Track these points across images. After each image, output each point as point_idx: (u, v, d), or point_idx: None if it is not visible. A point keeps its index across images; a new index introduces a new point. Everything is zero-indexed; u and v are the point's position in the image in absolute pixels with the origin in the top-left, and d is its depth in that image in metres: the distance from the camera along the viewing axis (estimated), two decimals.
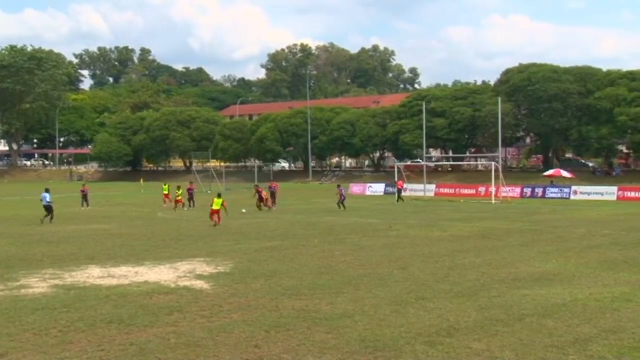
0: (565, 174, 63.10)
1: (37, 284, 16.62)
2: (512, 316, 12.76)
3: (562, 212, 38.18)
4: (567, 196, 53.29)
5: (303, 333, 11.61)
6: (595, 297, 14.48)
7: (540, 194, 54.32)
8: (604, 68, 78.29)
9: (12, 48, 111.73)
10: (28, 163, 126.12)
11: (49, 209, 33.13)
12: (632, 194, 51.69)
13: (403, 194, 49.81)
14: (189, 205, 42.93)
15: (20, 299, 14.84)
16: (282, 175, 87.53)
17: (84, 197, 44.31)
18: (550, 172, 64.75)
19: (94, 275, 17.91)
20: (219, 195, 32.89)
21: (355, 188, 64.12)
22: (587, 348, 10.67)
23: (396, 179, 54.29)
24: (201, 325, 12.33)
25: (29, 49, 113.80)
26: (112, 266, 19.20)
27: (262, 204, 40.66)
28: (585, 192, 53.43)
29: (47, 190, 33.98)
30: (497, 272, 17.64)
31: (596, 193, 52.96)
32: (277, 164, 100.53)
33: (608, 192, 52.50)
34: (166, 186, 47.36)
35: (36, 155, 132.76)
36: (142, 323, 12.50)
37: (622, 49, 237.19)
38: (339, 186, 43.22)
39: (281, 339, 11.32)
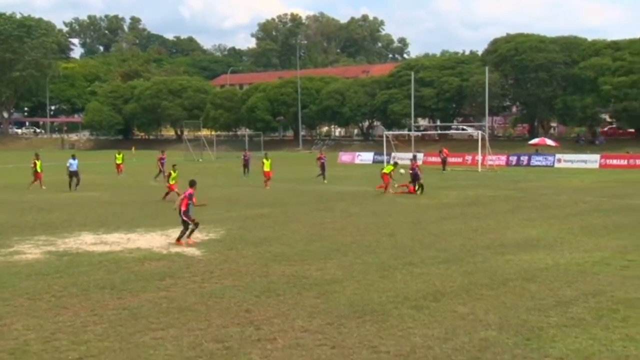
0: (550, 142, 63.36)
1: (31, 251, 16.60)
2: (496, 281, 12.89)
3: (546, 180, 38.36)
4: (552, 164, 53.60)
5: (293, 298, 11.69)
6: (577, 261, 14.64)
7: (525, 162, 54.56)
8: (589, 38, 78.21)
9: (1, 16, 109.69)
10: (19, 131, 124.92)
11: (75, 174, 32.73)
12: (614, 162, 52.09)
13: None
14: (162, 178, 38.36)
15: (14, 265, 14.84)
16: (273, 144, 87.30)
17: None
18: (535, 140, 65.00)
19: (86, 242, 17.90)
20: (266, 156, 35.43)
21: (344, 157, 64.13)
22: (567, 310, 10.82)
23: (385, 148, 54.33)
24: (193, 290, 12.38)
25: (18, 16, 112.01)
26: (105, 233, 19.19)
27: (246, 170, 42.66)
28: (569, 160, 53.81)
29: (73, 157, 33.50)
30: (482, 239, 17.78)
31: (580, 161, 53.36)
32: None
33: (591, 160, 52.89)
34: (120, 156, 44.67)
35: (27, 124, 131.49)
36: (135, 288, 12.53)
37: (607, 19, 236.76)
38: (320, 157, 38.90)
39: (271, 304, 11.39)
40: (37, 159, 34.12)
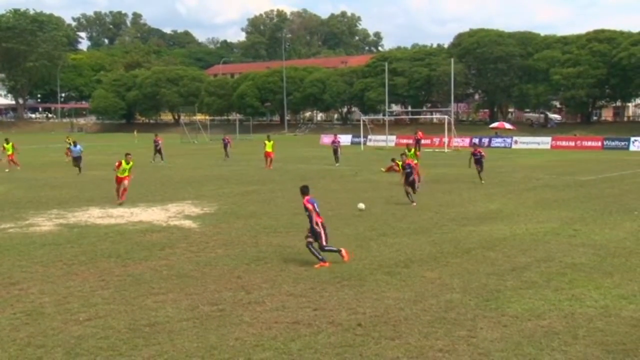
0: (508, 126, 63.63)
1: (44, 223, 16.44)
2: (460, 249, 12.96)
3: (504, 160, 38.55)
4: (509, 145, 53.88)
5: (279, 266, 11.68)
6: (531, 232, 14.76)
7: (486, 143, 54.70)
8: (542, 33, 78.33)
9: (16, 11, 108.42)
10: (33, 116, 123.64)
11: (79, 159, 30.95)
12: (564, 144, 52.44)
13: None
14: (156, 158, 38.01)
15: (30, 236, 14.70)
16: (261, 127, 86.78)
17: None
18: (495, 124, 65.21)
19: (94, 215, 17.76)
20: (268, 138, 33.80)
21: (325, 139, 63.85)
22: (522, 275, 10.92)
23: (362, 132, 54.18)
24: (190, 259, 12.34)
25: (32, 12, 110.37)
26: (110, 208, 19.03)
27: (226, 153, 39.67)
28: (525, 142, 54.12)
29: (75, 144, 31.79)
30: (448, 212, 17.85)
31: (534, 143, 53.67)
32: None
33: (543, 142, 53.21)
34: (70, 140, 39.07)
35: (40, 109, 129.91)
36: (138, 257, 12.46)
37: (557, 17, 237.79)
38: (334, 141, 35.40)
39: (260, 270, 11.37)
40: (7, 143, 32.62)
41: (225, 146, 40.24)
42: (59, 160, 33.40)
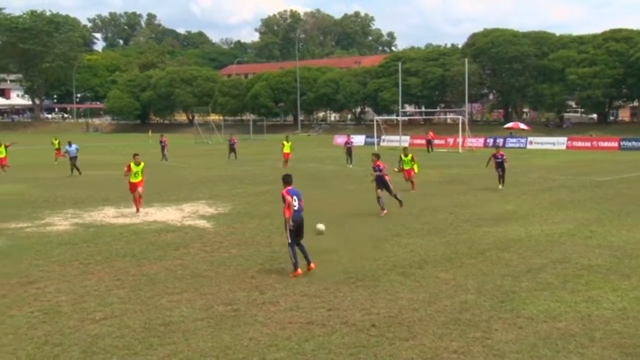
0: (522, 126, 63.16)
1: (60, 222, 16.58)
2: (474, 250, 12.90)
3: (519, 160, 38.28)
4: (524, 146, 53.53)
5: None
6: (546, 233, 14.65)
7: (501, 144, 54.31)
8: (557, 33, 77.79)
9: (33, 13, 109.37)
10: (49, 116, 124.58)
11: (75, 159, 30.15)
12: (579, 144, 52.00)
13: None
14: (164, 159, 38.25)
15: (46, 235, 14.83)
16: (275, 128, 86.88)
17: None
18: (509, 124, 64.77)
19: (109, 215, 17.88)
20: (287, 139, 33.65)
21: (339, 139, 63.81)
22: (537, 276, 10.84)
23: (375, 132, 54.10)
24: (204, 259, 12.38)
25: (48, 13, 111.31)
26: (125, 207, 19.14)
27: (232, 154, 38.95)
28: (540, 142, 53.72)
29: (69, 144, 30.98)
30: (462, 213, 17.76)
31: (549, 143, 53.26)
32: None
33: (559, 142, 52.80)
34: (57, 141, 38.63)
35: (56, 109, 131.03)
36: (152, 257, 12.53)
37: (572, 16, 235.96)
38: (347, 142, 35.22)
39: (274, 271, 11.38)
40: None
41: (232, 147, 39.29)
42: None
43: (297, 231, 10.93)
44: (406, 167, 22.60)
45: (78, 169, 29.90)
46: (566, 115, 79.39)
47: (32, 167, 34.73)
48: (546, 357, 7.41)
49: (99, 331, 8.34)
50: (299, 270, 10.82)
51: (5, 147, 32.17)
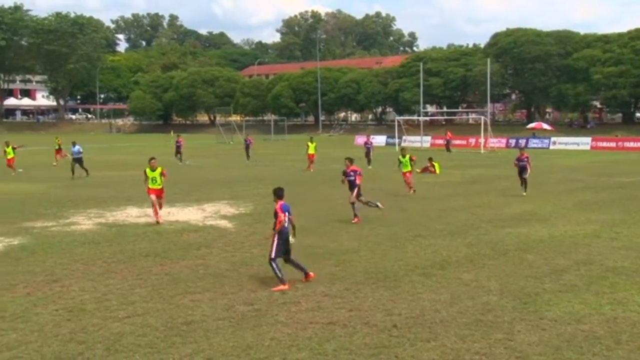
0: (545, 126, 62.45)
1: (84, 222, 16.78)
2: (497, 251, 12.79)
3: (542, 160, 37.87)
4: (547, 146, 52.95)
5: (314, 266, 11.63)
6: (570, 234, 14.48)
7: (523, 144, 53.81)
8: (581, 32, 76.75)
9: (58, 15, 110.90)
10: (73, 117, 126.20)
11: (79, 161, 29.67)
12: (604, 144, 51.34)
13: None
14: (178, 159, 37.28)
15: (70, 234, 15.02)
16: (296, 128, 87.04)
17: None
18: (532, 125, 64.08)
19: (132, 214, 18.04)
20: (311, 140, 33.16)
21: (359, 140, 63.73)
22: (561, 278, 10.72)
23: (396, 132, 53.94)
24: (225, 258, 12.44)
25: (72, 15, 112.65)
26: (148, 207, 19.26)
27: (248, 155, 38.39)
28: (563, 143, 53.13)
29: (73, 144, 30.27)
30: (484, 213, 17.64)
31: (573, 143, 52.64)
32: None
33: (583, 143, 52.17)
34: (58, 141, 38.30)
35: (80, 110, 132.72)
36: (175, 256, 12.62)
37: (597, 14, 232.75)
38: (366, 142, 35.55)
39: (295, 271, 11.34)
40: (7, 146, 31.84)
41: (247, 147, 38.55)
42: (95, 159, 33.89)
43: (284, 246, 10.52)
44: (404, 170, 21.74)
45: (86, 170, 29.56)
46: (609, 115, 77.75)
47: (57, 168, 35.11)
48: (570, 359, 7.32)
49: (121, 329, 8.42)
50: (287, 285, 10.20)
51: (13, 148, 32.34)
